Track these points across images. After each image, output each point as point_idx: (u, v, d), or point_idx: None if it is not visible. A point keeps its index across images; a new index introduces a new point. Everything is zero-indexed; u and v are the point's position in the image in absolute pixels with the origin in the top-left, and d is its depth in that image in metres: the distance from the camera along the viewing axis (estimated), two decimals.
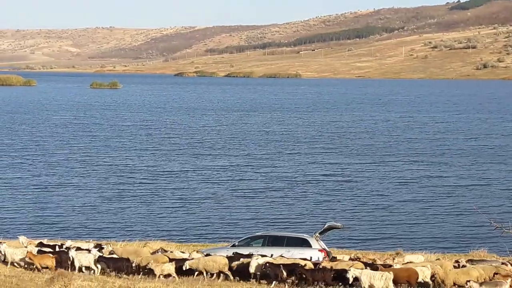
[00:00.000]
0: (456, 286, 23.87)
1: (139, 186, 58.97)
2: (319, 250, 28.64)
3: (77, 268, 25.94)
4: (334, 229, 31.46)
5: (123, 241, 36.81)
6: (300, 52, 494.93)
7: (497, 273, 23.50)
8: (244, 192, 56.51)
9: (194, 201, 53.30)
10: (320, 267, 25.27)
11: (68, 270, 25.55)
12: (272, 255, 27.20)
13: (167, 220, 47.71)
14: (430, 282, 23.63)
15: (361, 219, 48.06)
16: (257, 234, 31.48)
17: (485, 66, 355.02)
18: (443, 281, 23.71)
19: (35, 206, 50.93)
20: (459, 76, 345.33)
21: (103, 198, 53.95)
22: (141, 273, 25.82)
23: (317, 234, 29.69)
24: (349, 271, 23.73)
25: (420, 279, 24.02)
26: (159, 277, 25.12)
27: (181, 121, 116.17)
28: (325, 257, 28.07)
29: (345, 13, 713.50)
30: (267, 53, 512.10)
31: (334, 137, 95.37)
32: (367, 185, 59.77)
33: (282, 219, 47.55)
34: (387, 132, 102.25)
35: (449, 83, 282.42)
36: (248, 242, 29.77)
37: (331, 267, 24.96)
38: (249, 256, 26.94)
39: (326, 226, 30.31)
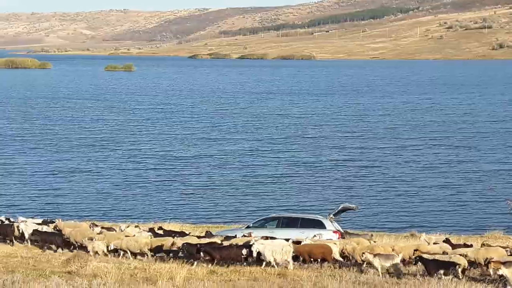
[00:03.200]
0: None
1: (155, 169, 59.16)
2: (334, 231, 28.73)
3: (27, 237, 27.69)
4: (349, 211, 31.53)
5: (139, 222, 37.01)
6: (314, 34, 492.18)
7: (417, 250, 24.43)
8: (261, 176, 56.54)
9: (211, 185, 53.43)
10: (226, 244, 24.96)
11: (12, 242, 27.85)
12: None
13: (183, 203, 47.91)
14: (340, 258, 24.50)
15: (380, 202, 48.08)
16: (272, 215, 31.59)
17: (501, 46, 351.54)
18: (352, 257, 24.70)
19: (52, 191, 51.26)
20: (475, 56, 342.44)
21: (120, 182, 54.17)
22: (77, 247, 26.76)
23: (331, 216, 29.76)
24: (252, 246, 24.00)
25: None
26: (94, 254, 25.53)
27: (196, 104, 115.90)
28: (339, 238, 28.12)
29: None
30: (281, 34, 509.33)
31: (354, 120, 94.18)
32: (386, 168, 59.58)
33: (300, 202, 47.59)
34: (409, 114, 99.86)
35: (466, 64, 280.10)
36: (263, 223, 29.88)
37: (237, 243, 24.94)
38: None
39: (340, 207, 30.45)
